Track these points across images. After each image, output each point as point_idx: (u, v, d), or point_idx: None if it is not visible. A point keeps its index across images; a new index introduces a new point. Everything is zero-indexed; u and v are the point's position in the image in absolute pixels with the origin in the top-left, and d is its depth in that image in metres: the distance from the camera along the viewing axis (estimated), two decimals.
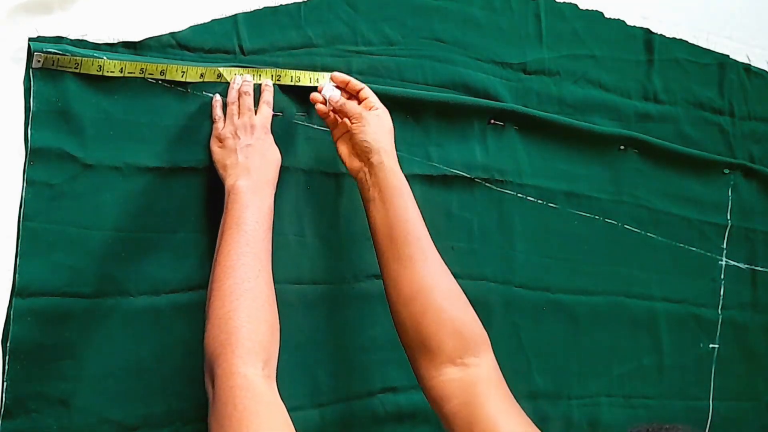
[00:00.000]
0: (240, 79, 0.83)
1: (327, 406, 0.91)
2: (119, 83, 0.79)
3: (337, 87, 0.86)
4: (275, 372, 0.68)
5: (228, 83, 0.84)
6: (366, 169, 0.82)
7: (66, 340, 0.78)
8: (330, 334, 0.91)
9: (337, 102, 0.84)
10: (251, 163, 0.78)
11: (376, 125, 0.83)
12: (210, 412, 0.62)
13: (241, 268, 0.70)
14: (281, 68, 0.87)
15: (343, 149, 0.85)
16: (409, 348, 0.77)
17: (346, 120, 0.84)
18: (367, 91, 0.85)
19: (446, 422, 0.72)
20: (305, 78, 0.88)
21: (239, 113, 0.82)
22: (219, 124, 0.82)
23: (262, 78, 0.85)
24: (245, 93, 0.82)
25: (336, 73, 0.86)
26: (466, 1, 1.00)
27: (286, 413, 0.61)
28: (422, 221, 0.80)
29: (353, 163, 0.84)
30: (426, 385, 0.75)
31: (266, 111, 0.83)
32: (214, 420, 0.61)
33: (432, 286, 0.76)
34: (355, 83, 0.86)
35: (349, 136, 0.84)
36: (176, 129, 0.83)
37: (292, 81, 0.87)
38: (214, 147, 0.81)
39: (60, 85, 0.76)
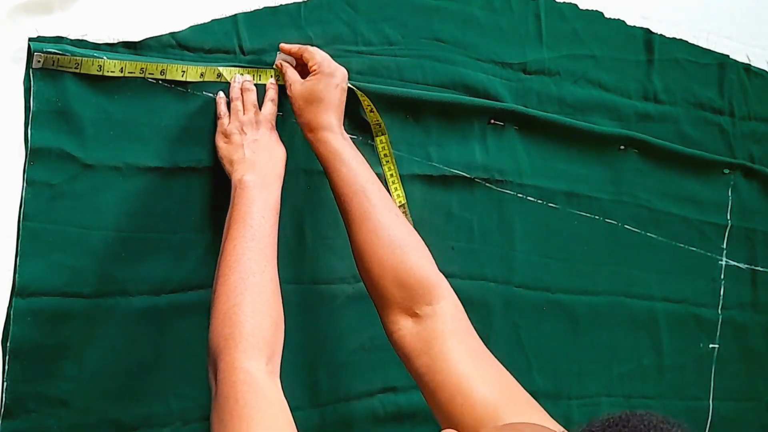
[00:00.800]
0: (240, 78, 0.84)
1: (327, 406, 0.91)
2: (119, 83, 0.79)
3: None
4: (279, 368, 0.67)
5: (228, 83, 0.84)
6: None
7: (66, 340, 0.78)
8: (330, 334, 0.92)
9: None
10: (258, 158, 0.78)
11: (301, 98, 0.82)
12: (212, 407, 0.62)
13: (247, 263, 0.70)
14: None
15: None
16: (375, 306, 0.77)
17: None
18: (307, 53, 0.84)
19: (418, 384, 0.71)
20: None
21: (245, 109, 0.82)
22: (224, 120, 0.82)
23: (261, 78, 0.85)
24: (249, 90, 0.83)
25: (283, 45, 0.86)
26: (466, 1, 1.00)
27: (288, 409, 0.61)
28: (363, 178, 0.79)
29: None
30: (390, 341, 0.75)
31: (271, 108, 0.83)
32: (216, 414, 0.61)
33: (372, 239, 0.76)
34: (301, 50, 0.84)
35: None
36: (176, 129, 0.83)
37: None
38: (220, 143, 0.81)
39: (60, 85, 0.76)
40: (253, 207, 0.74)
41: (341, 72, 0.84)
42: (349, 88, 0.87)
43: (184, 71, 0.82)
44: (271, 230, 0.74)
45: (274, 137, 0.82)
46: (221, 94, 0.83)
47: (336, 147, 0.80)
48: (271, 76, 0.86)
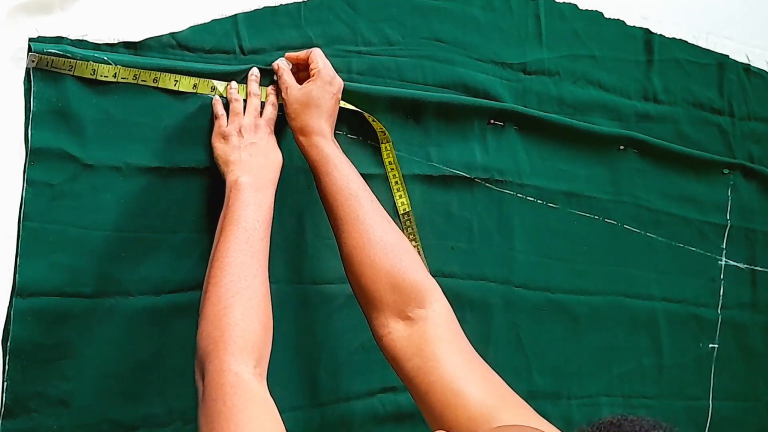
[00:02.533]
0: (255, 77, 0.84)
1: (327, 406, 0.91)
2: (119, 83, 0.79)
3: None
4: (266, 371, 0.67)
5: (222, 96, 0.84)
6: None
7: (66, 340, 0.78)
8: (330, 334, 0.91)
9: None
10: (254, 161, 0.78)
11: (297, 102, 0.82)
12: (199, 408, 0.62)
13: (239, 266, 0.69)
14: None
15: None
16: (362, 309, 0.77)
17: None
18: (312, 54, 0.84)
19: (408, 386, 0.70)
20: None
21: (245, 111, 0.82)
22: (222, 121, 0.82)
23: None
24: (254, 94, 0.83)
25: (289, 54, 0.86)
26: (466, 1, 1.00)
27: (277, 412, 0.60)
28: (355, 183, 0.79)
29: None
30: (380, 345, 0.74)
31: (271, 112, 0.84)
32: (203, 416, 0.60)
33: (365, 242, 0.76)
34: (307, 53, 0.85)
35: None
36: (176, 129, 0.83)
37: None
38: (217, 143, 0.81)
39: (60, 85, 0.76)
40: (248, 209, 0.74)
41: (338, 82, 0.84)
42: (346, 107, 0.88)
43: (176, 80, 0.82)
44: (264, 234, 0.74)
45: (272, 141, 0.82)
46: (217, 96, 0.83)
47: (328, 152, 0.80)
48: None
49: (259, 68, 0.86)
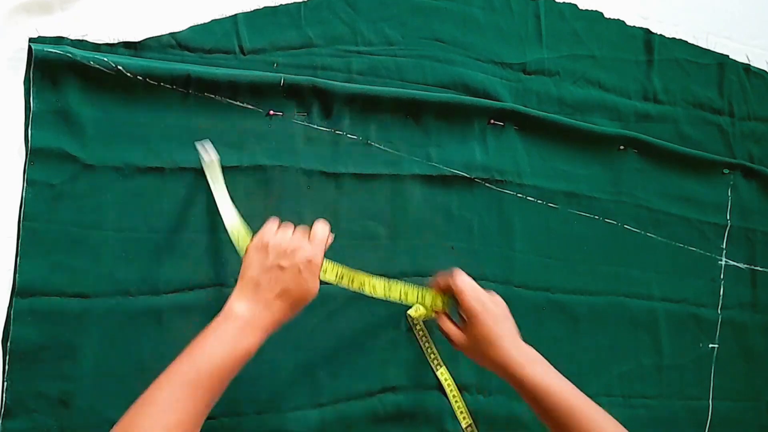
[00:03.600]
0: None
1: (327, 406, 0.91)
2: (119, 83, 0.79)
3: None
4: None
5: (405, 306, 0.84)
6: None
7: (66, 340, 0.78)
8: (330, 334, 0.91)
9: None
10: (266, 292, 0.70)
11: (469, 350, 0.78)
12: None
13: (167, 407, 0.63)
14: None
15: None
16: None
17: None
18: (456, 292, 0.80)
19: None
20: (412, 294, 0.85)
21: (294, 230, 0.75)
22: (273, 227, 0.75)
23: (422, 299, 0.84)
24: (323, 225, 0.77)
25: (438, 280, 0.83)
26: (466, 1, 1.00)
27: None
28: (570, 402, 0.74)
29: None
30: None
31: (323, 231, 0.76)
32: None
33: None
34: (450, 287, 0.80)
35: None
36: (176, 129, 0.83)
37: (400, 295, 0.85)
38: (251, 249, 0.73)
39: (60, 85, 0.76)
40: (218, 348, 0.67)
41: (492, 302, 0.80)
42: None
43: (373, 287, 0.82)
44: (218, 383, 0.66)
45: (310, 271, 0.72)
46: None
47: (535, 383, 0.75)
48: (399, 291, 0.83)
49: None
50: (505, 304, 0.82)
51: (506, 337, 0.77)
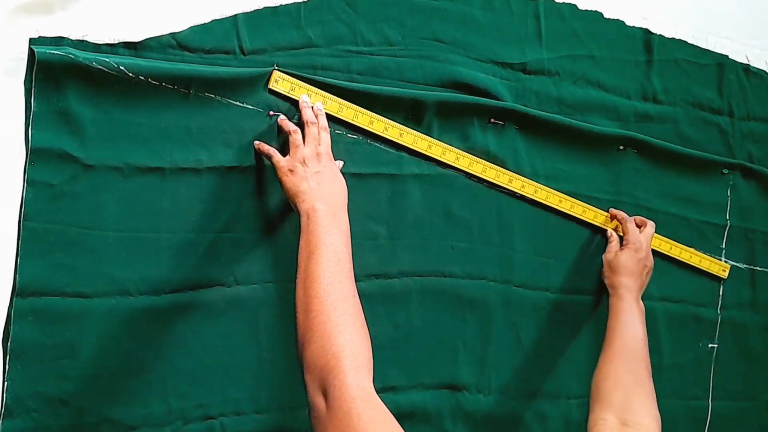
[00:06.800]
0: (307, 98, 0.87)
1: None
2: (120, 83, 0.79)
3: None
4: None
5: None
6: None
7: (66, 340, 0.78)
8: None
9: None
10: (323, 189, 0.81)
11: (607, 266, 1.05)
12: (325, 422, 0.63)
13: (339, 286, 0.73)
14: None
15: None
16: (591, 401, 0.88)
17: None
18: (625, 227, 1.06)
19: None
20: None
21: (305, 141, 0.84)
22: (295, 151, 0.83)
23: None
24: (312, 123, 0.85)
25: (613, 210, 1.08)
26: (466, 1, 1.00)
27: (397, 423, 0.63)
28: (631, 344, 0.94)
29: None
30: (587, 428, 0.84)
31: (326, 138, 0.85)
32: (333, 428, 0.62)
33: (618, 365, 0.91)
34: (623, 222, 1.07)
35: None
36: (176, 129, 0.83)
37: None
38: (284, 177, 0.82)
39: (60, 85, 0.76)
40: (332, 233, 0.76)
41: (645, 253, 1.03)
42: None
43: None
44: (350, 257, 0.77)
45: (335, 168, 0.84)
46: (286, 121, 0.86)
47: (620, 307, 0.98)
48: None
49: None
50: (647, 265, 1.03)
51: (632, 273, 1.02)
